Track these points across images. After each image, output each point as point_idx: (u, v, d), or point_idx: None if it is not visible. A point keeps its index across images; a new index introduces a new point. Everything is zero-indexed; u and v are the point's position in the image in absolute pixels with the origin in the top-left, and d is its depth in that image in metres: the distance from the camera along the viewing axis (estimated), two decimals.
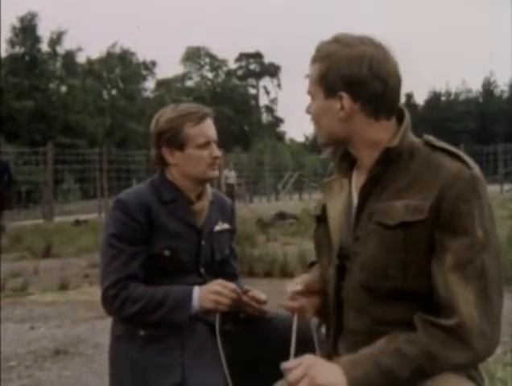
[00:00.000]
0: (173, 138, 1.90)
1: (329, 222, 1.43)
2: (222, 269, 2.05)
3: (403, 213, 1.25)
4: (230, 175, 17.57)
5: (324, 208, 1.48)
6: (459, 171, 1.24)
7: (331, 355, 1.42)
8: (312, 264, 1.65)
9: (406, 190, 1.28)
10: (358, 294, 1.32)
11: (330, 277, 1.41)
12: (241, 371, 1.83)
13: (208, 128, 1.93)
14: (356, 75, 1.29)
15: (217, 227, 2.02)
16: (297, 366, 1.21)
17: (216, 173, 1.98)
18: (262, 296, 1.89)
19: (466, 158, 1.27)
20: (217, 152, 1.94)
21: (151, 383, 1.75)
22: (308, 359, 1.24)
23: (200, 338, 1.82)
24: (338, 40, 1.33)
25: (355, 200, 1.38)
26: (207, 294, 1.80)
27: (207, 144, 1.91)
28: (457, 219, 1.22)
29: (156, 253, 1.87)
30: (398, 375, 1.19)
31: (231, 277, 2.05)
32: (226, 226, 2.05)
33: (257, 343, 1.89)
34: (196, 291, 1.82)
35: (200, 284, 1.90)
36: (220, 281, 1.84)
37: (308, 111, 1.41)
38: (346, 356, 1.24)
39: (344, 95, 1.31)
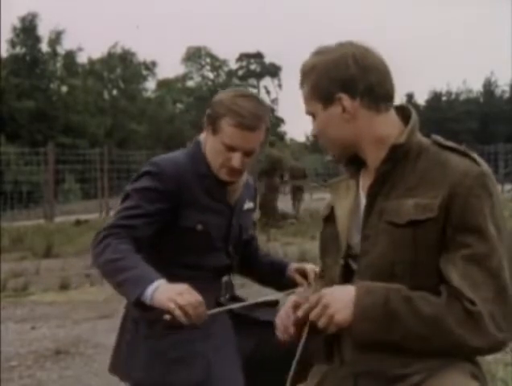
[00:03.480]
0: (212, 120, 1.81)
1: (337, 223, 1.43)
2: (247, 249, 2.06)
3: (413, 211, 1.26)
4: None
5: (331, 209, 1.48)
6: (468, 169, 1.26)
7: (332, 354, 1.41)
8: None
9: (416, 189, 1.29)
10: None
11: (335, 277, 1.41)
12: (262, 366, 1.80)
13: (242, 138, 1.76)
14: (346, 75, 1.32)
15: (245, 206, 1.99)
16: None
17: (232, 179, 1.85)
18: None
19: (474, 155, 1.29)
20: (237, 162, 1.78)
21: (171, 376, 1.70)
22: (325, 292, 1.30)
23: (223, 330, 1.78)
24: (318, 52, 1.38)
25: (363, 200, 1.38)
26: (168, 290, 1.54)
27: (233, 149, 1.78)
28: (469, 215, 1.23)
29: (189, 227, 1.82)
30: (400, 321, 1.21)
31: (254, 252, 2.09)
32: (252, 205, 2.04)
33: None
34: (162, 283, 1.57)
35: (229, 266, 1.89)
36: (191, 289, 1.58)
37: (314, 133, 1.43)
38: (366, 282, 1.28)
39: (342, 95, 1.33)
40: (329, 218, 1.48)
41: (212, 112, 1.81)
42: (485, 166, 1.28)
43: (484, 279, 1.21)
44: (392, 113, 1.37)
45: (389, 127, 1.35)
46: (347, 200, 1.42)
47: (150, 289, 1.54)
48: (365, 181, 1.40)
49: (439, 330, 1.20)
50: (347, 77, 1.32)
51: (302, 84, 1.40)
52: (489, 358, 2.91)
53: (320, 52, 1.37)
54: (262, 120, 1.79)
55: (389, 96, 1.35)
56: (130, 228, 1.72)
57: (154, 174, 1.79)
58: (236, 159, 1.79)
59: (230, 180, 1.86)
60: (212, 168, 1.85)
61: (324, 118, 1.37)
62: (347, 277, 1.38)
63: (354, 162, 1.44)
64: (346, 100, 1.33)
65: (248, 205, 2.00)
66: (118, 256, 1.64)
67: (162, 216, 1.78)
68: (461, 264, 1.22)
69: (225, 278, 1.93)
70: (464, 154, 1.29)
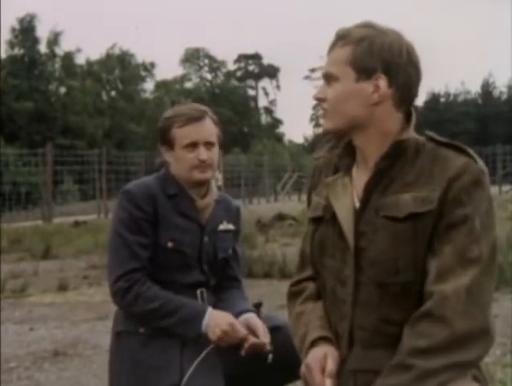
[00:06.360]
0: (164, 137, 1.94)
1: (341, 222, 1.38)
2: (224, 271, 2.04)
3: (412, 205, 1.26)
4: (218, 177, 17.36)
5: (325, 208, 1.43)
6: (466, 164, 1.27)
7: (346, 359, 1.36)
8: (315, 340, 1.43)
9: (414, 184, 1.29)
10: (369, 291, 1.31)
11: (346, 276, 1.36)
12: (239, 380, 1.84)
13: (195, 130, 1.90)
14: (397, 61, 1.31)
15: (221, 227, 2.02)
16: None
17: (206, 176, 1.93)
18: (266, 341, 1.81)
19: (471, 151, 1.31)
20: (204, 155, 1.90)
21: (150, 382, 1.75)
22: None
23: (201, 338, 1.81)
24: (370, 26, 1.35)
25: (356, 199, 1.37)
26: (215, 328, 1.78)
27: (193, 145, 1.90)
28: (459, 209, 1.24)
29: (160, 245, 1.88)
30: None
31: (232, 279, 2.06)
32: (231, 227, 2.05)
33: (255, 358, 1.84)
34: (207, 317, 1.81)
35: (203, 282, 1.92)
36: (232, 321, 1.80)
37: (319, 96, 1.38)
38: None
39: (383, 77, 1.31)
40: (324, 217, 1.43)
41: (162, 131, 1.95)
42: (481, 163, 1.29)
43: (460, 269, 1.21)
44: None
45: (396, 125, 1.35)
46: (347, 198, 1.39)
47: (203, 326, 1.80)
48: (358, 177, 1.39)
49: (421, 357, 1.17)
50: (396, 64, 1.31)
51: (340, 46, 1.34)
52: (488, 359, 2.91)
53: (371, 26, 1.34)
54: (205, 111, 1.94)
55: (413, 98, 1.36)
56: (142, 269, 1.85)
57: (128, 201, 1.89)
58: (201, 152, 1.90)
59: (205, 177, 1.93)
60: (181, 187, 1.94)
61: (349, 89, 1.33)
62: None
63: (346, 156, 1.42)
64: (383, 82, 1.31)
65: (225, 226, 2.03)
66: (156, 304, 1.81)
67: (152, 239, 1.89)
68: (442, 259, 1.23)
69: (200, 289, 1.95)
70: (461, 150, 1.31)
